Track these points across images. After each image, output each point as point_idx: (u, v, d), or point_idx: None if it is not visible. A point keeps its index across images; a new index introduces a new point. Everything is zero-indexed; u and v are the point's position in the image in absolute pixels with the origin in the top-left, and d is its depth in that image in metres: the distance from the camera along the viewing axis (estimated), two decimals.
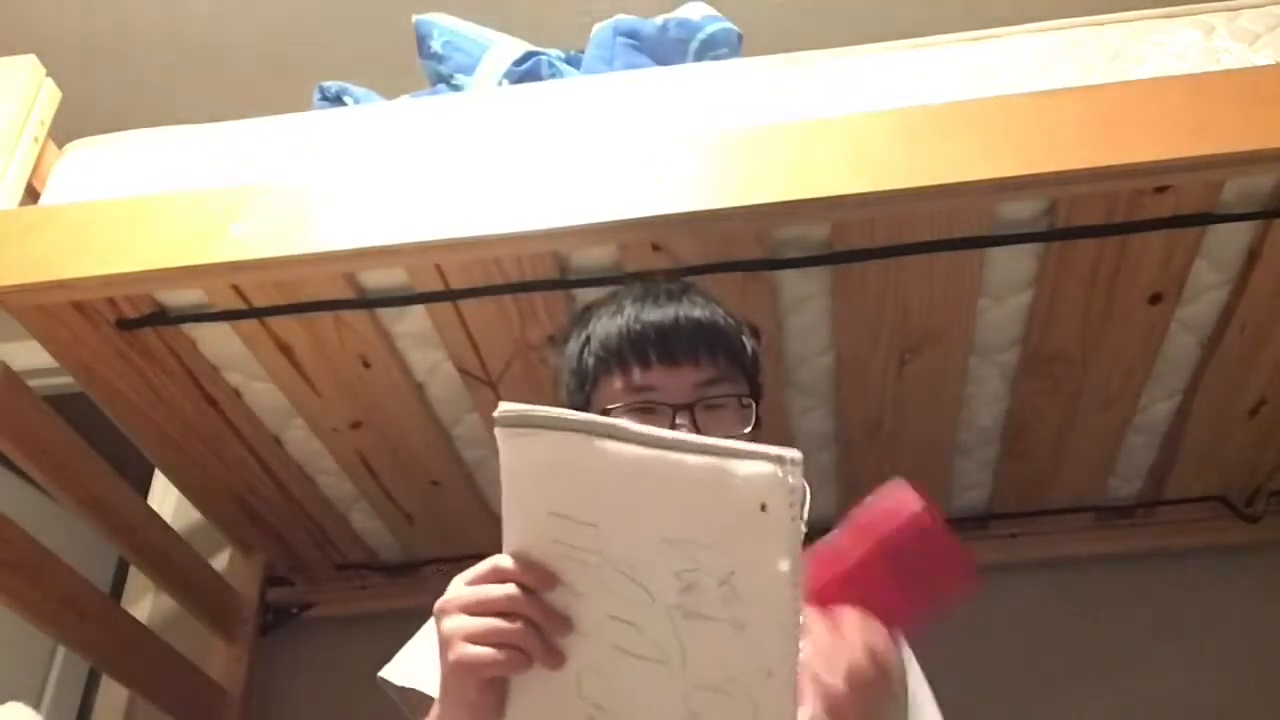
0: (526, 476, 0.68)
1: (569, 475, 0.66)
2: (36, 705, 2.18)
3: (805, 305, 1.37)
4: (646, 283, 1.04)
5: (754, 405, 0.98)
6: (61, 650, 2.28)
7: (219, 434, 1.54)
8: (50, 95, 1.44)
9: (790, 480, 0.61)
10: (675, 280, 1.08)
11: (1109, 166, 1.12)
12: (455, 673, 0.71)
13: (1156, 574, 1.80)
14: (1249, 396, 1.52)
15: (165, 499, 2.01)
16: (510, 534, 0.70)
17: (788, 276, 1.32)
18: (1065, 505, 1.77)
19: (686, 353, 0.96)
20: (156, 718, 1.70)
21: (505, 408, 0.66)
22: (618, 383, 0.96)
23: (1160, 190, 1.20)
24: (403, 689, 0.97)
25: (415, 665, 0.99)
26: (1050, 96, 1.19)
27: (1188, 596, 1.79)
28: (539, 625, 0.69)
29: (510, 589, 0.69)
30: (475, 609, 0.70)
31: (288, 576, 1.93)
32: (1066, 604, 1.81)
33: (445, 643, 0.71)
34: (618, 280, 1.26)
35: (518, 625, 0.69)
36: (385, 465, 1.61)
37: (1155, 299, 1.34)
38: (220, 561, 1.95)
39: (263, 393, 1.49)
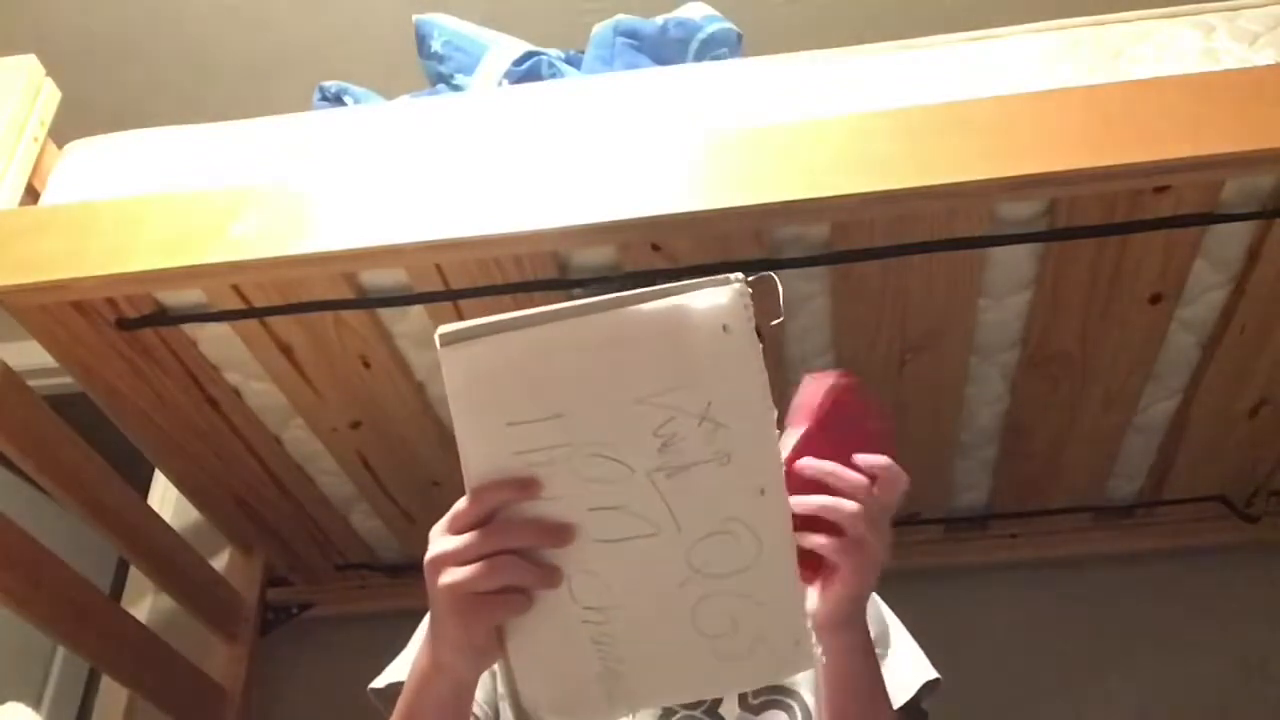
0: (477, 391, 0.67)
1: (522, 375, 0.66)
2: (36, 705, 2.18)
3: (805, 305, 1.37)
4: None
5: None
6: (61, 650, 2.28)
7: (219, 434, 1.54)
8: (50, 95, 1.44)
9: (744, 296, 0.66)
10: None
11: (1109, 166, 1.12)
12: (462, 622, 0.71)
13: (1156, 574, 1.80)
14: (1249, 396, 1.52)
15: (165, 499, 2.02)
16: (471, 465, 0.69)
17: (788, 276, 1.32)
18: (1065, 505, 1.77)
19: None
20: (156, 718, 1.70)
21: (445, 328, 0.66)
22: None
23: (1160, 190, 1.20)
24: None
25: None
26: (1050, 96, 1.19)
27: (1188, 596, 1.79)
28: (532, 546, 0.69)
29: (494, 537, 0.69)
30: (466, 556, 0.70)
31: (288, 576, 1.93)
32: (1066, 604, 1.81)
33: (445, 596, 0.70)
34: (618, 280, 1.26)
35: (509, 558, 0.68)
36: (385, 465, 1.61)
37: (1155, 299, 1.34)
38: (220, 561, 1.95)
39: (263, 393, 1.49)
